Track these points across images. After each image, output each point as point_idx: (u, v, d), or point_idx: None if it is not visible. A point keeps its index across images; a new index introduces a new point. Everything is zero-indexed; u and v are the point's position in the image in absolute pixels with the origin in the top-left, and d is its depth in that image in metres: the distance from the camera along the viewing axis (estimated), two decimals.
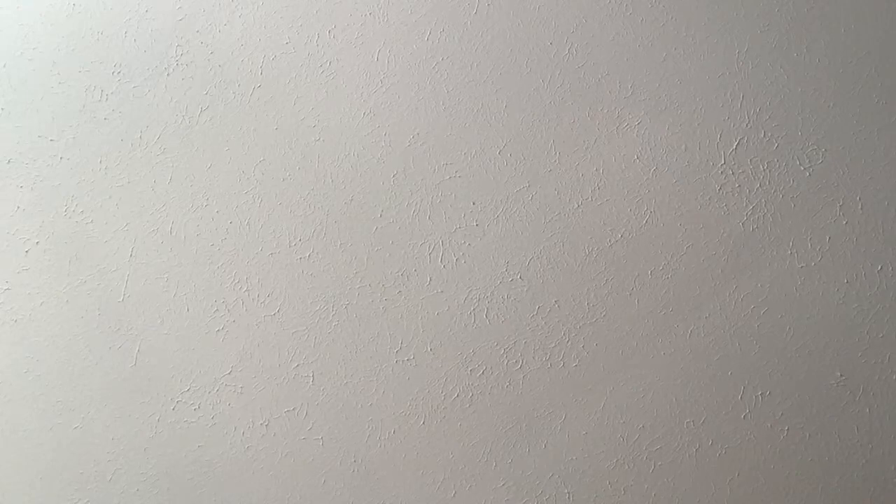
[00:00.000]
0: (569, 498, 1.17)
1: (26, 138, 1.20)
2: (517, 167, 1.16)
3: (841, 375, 1.14)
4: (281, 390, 1.19)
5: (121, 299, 1.20)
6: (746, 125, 1.14)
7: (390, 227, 1.17)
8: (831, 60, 1.13)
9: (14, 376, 1.21)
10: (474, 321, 1.17)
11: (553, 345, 1.16)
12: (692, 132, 1.14)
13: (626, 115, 1.15)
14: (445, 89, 1.17)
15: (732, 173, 1.14)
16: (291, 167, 1.18)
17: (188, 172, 1.19)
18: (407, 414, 1.18)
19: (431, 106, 1.17)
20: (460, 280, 1.17)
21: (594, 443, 1.16)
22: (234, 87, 1.18)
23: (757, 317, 1.14)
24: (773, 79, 1.13)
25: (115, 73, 1.19)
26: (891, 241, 1.13)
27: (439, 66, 1.17)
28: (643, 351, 1.16)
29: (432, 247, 1.17)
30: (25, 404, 1.21)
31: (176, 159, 1.19)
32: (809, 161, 1.13)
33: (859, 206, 1.13)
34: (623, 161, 1.15)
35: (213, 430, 1.20)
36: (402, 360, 1.18)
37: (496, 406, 1.18)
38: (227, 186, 1.19)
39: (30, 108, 1.20)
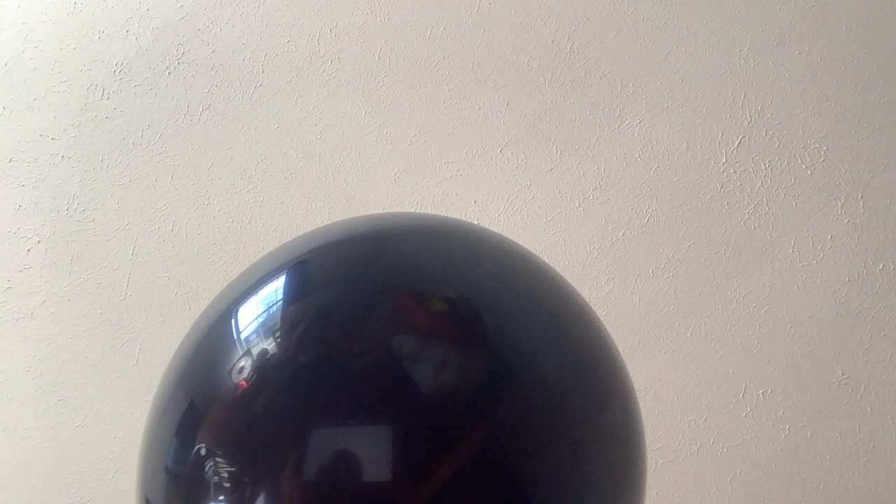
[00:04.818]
0: None
1: (27, 137, 1.20)
2: (518, 166, 1.16)
3: (843, 374, 1.14)
4: None
5: (122, 298, 1.20)
6: (748, 123, 1.14)
7: None
8: (833, 58, 1.13)
9: (15, 375, 1.21)
10: None
11: None
12: (694, 130, 1.14)
13: (627, 114, 1.15)
14: (446, 88, 1.16)
15: (734, 172, 1.14)
16: (293, 166, 1.18)
17: (190, 171, 1.19)
18: None
19: (432, 105, 1.17)
20: None
21: None
22: (236, 85, 1.18)
23: (758, 315, 1.14)
24: (775, 77, 1.13)
25: (116, 72, 1.19)
26: (892, 239, 1.13)
27: (440, 65, 1.17)
28: (644, 350, 1.15)
29: None
30: (26, 403, 1.21)
31: (177, 158, 1.19)
32: (811, 159, 1.13)
33: (861, 205, 1.13)
34: (624, 159, 1.15)
35: None
36: None
37: None
38: (228, 185, 1.19)
39: (31, 106, 1.20)
